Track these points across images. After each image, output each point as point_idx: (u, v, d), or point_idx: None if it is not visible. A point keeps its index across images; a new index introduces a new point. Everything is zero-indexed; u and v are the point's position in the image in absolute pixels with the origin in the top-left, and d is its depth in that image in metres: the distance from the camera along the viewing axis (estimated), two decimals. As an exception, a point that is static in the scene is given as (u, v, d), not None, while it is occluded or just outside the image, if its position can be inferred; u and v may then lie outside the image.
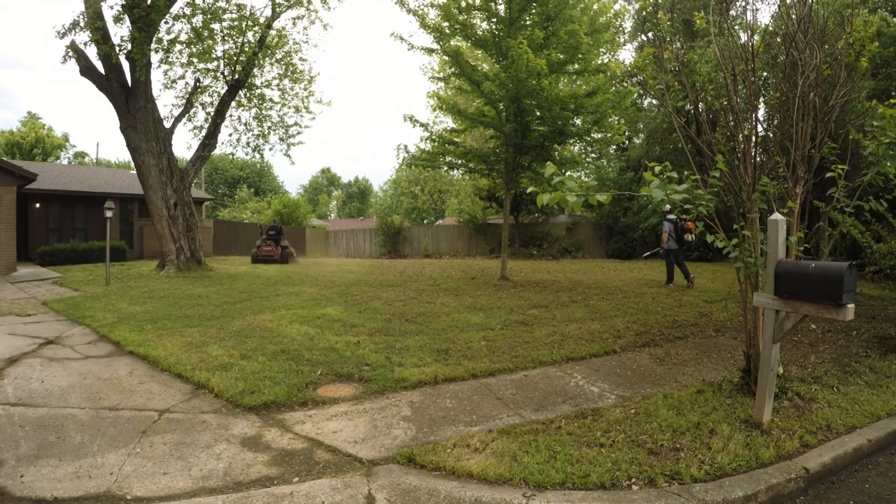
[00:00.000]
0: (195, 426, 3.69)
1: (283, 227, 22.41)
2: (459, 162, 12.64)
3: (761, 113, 6.45)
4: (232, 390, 4.27)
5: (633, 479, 2.93)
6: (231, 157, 25.70)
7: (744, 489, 2.84)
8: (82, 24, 12.32)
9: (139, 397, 4.24)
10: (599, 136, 12.59)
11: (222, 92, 15.32)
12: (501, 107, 11.12)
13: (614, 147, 22.14)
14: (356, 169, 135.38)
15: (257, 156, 17.73)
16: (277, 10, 14.73)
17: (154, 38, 12.60)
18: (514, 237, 22.42)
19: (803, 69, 4.22)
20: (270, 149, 17.94)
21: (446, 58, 12.31)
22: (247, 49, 14.15)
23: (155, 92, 13.94)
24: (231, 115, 16.26)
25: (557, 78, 11.79)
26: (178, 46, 13.33)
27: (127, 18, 12.09)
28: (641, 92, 18.36)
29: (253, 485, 2.93)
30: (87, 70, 12.81)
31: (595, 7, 11.76)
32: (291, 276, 12.99)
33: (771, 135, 5.18)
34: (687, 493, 2.79)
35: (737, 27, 7.49)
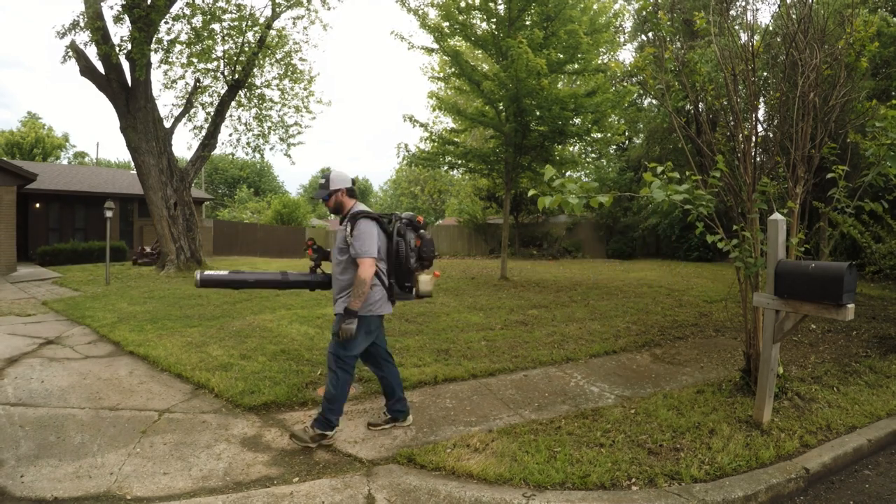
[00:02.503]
0: (195, 426, 3.69)
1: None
2: (459, 162, 12.62)
3: (761, 113, 6.44)
4: (232, 390, 4.27)
5: (633, 479, 2.93)
6: (231, 157, 25.67)
7: (744, 489, 2.84)
8: (82, 24, 12.30)
9: (139, 397, 4.24)
10: (599, 136, 12.56)
11: (222, 92, 15.29)
12: (501, 107, 11.10)
13: (614, 147, 22.11)
14: (356, 169, 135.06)
15: (257, 156, 17.71)
16: (277, 10, 14.70)
17: (154, 38, 12.57)
18: (514, 237, 22.41)
19: (803, 69, 4.22)
20: (271, 149, 17.90)
21: (446, 58, 12.28)
22: (247, 49, 14.12)
23: (155, 92, 13.93)
24: (231, 115, 16.23)
25: (557, 78, 11.77)
26: (178, 46, 13.28)
27: (127, 18, 12.06)
28: (641, 92, 18.32)
29: (253, 485, 2.94)
30: (87, 70, 12.80)
31: (595, 7, 11.74)
32: (291, 276, 12.97)
33: (771, 135, 5.18)
34: (687, 493, 2.79)
35: (737, 27, 7.48)
